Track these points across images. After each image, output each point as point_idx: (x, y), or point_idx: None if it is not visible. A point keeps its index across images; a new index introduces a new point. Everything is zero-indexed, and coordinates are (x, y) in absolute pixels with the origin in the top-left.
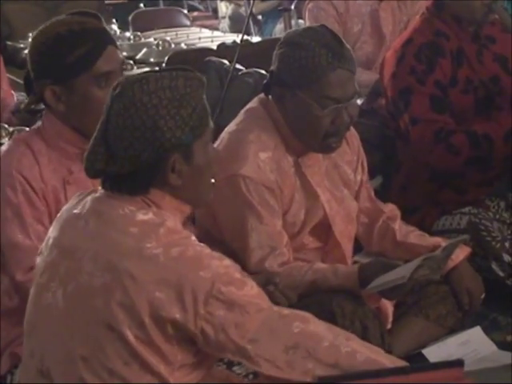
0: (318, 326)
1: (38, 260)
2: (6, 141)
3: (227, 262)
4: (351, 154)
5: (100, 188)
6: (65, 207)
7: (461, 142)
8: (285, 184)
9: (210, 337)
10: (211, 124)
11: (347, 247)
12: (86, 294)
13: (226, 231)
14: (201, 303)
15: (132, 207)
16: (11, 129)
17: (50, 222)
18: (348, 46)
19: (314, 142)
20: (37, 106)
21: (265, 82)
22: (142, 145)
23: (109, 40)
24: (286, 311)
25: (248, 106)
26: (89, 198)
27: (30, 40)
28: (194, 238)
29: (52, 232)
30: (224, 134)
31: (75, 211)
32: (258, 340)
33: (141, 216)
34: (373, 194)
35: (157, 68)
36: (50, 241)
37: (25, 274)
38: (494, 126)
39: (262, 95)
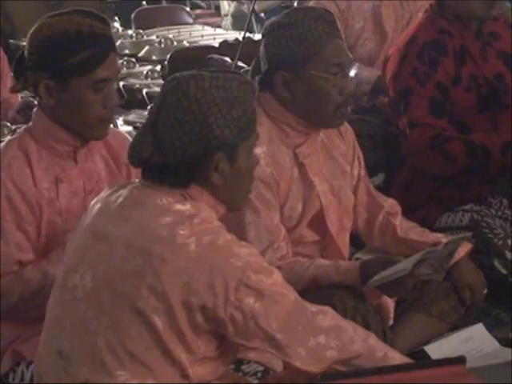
0: (338, 319)
1: (68, 245)
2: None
3: (255, 250)
4: (346, 148)
5: (138, 180)
6: (98, 197)
7: (457, 150)
8: (281, 177)
9: (240, 324)
10: (257, 131)
11: (340, 238)
12: (116, 277)
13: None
14: (232, 290)
15: (170, 198)
16: (14, 127)
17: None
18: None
19: (325, 117)
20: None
21: (259, 77)
22: (190, 139)
23: (112, 47)
24: (310, 304)
25: None
26: (127, 187)
27: (32, 29)
28: (224, 228)
29: (85, 218)
30: None
31: (111, 199)
32: (286, 329)
33: (177, 206)
34: (372, 188)
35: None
36: (84, 225)
37: None
38: (492, 137)
39: None
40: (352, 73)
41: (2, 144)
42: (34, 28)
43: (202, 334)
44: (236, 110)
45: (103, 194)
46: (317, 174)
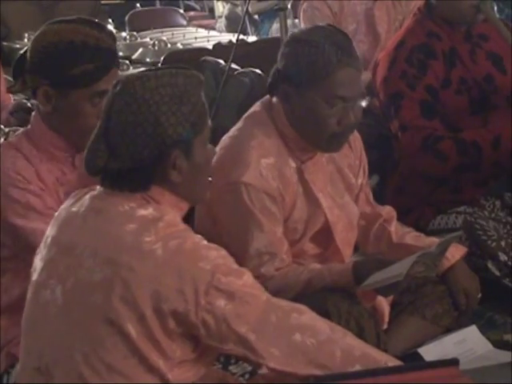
0: (314, 318)
1: (36, 259)
2: (1, 141)
3: (224, 252)
4: (354, 158)
5: (98, 186)
6: (62, 206)
7: (448, 149)
8: (287, 191)
9: (212, 327)
10: (209, 122)
11: (347, 254)
12: (86, 290)
13: (226, 237)
14: (202, 294)
15: (132, 204)
16: (7, 129)
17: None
18: (355, 45)
19: (320, 142)
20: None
21: (269, 81)
22: (144, 141)
23: (116, 62)
24: (283, 303)
25: (251, 111)
26: (87, 196)
27: (37, 33)
28: (191, 230)
29: (50, 231)
30: (226, 139)
31: (73, 209)
32: (259, 330)
33: (141, 212)
34: (371, 197)
35: (153, 67)
36: (49, 240)
37: None
38: (482, 133)
39: (264, 99)
40: (361, 104)
41: (3, 143)
42: (39, 32)
43: (176, 338)
44: (186, 106)
45: (65, 204)
46: (321, 190)
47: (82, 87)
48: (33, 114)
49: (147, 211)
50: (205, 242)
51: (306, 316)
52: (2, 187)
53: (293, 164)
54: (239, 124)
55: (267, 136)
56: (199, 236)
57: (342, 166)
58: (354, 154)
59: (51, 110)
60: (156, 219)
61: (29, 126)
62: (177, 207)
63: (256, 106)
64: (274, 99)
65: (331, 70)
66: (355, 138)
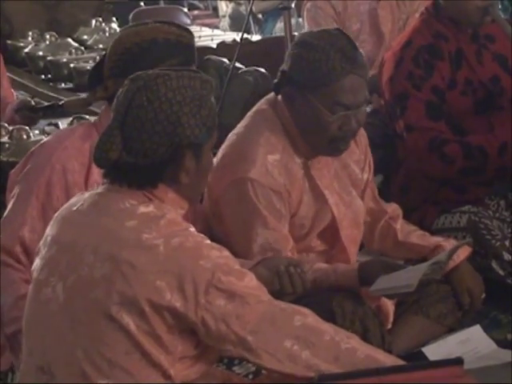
0: (318, 321)
1: (36, 259)
2: (5, 140)
3: (226, 253)
4: (359, 154)
5: (100, 185)
6: (64, 206)
7: (454, 152)
8: (293, 187)
9: (211, 327)
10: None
11: (352, 251)
12: (87, 286)
13: (230, 233)
14: (201, 292)
15: (133, 201)
16: (11, 127)
17: None
18: (361, 51)
19: (320, 145)
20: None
21: (275, 80)
22: (162, 139)
23: (194, 58)
24: (285, 305)
25: (256, 108)
26: (89, 195)
27: (115, 39)
28: (193, 229)
29: (50, 230)
30: (232, 136)
31: (74, 208)
32: (258, 332)
33: (142, 209)
34: (377, 193)
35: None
36: (49, 238)
37: None
38: (489, 139)
39: (270, 96)
40: (365, 109)
41: (66, 128)
42: (116, 38)
43: (178, 333)
44: (204, 109)
45: (66, 204)
46: (327, 187)
47: None
48: (102, 107)
49: (148, 209)
50: (207, 241)
51: (310, 319)
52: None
53: (298, 160)
54: (245, 121)
55: (273, 132)
56: (202, 235)
57: (349, 162)
58: (359, 149)
59: None
60: (157, 217)
61: (95, 118)
62: (179, 206)
63: (262, 104)
64: (279, 97)
65: (334, 77)
66: (360, 133)
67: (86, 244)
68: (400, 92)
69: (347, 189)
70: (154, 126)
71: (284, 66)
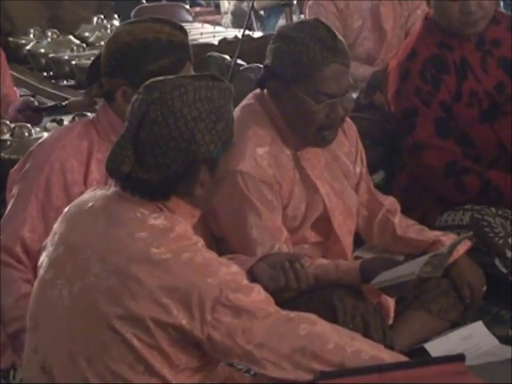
0: (323, 328)
1: (43, 255)
2: (7, 137)
3: (235, 268)
4: (349, 146)
5: (113, 186)
6: (73, 203)
7: (472, 185)
8: (283, 178)
9: (217, 343)
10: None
11: (346, 241)
12: (92, 296)
13: (225, 227)
14: (208, 310)
15: (144, 210)
16: (13, 125)
17: None
18: (341, 39)
19: (309, 136)
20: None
21: (259, 76)
22: (175, 155)
23: (189, 56)
24: (293, 314)
25: (243, 103)
26: (100, 196)
27: (109, 36)
28: (202, 243)
29: (59, 227)
30: None
31: (85, 208)
32: (264, 344)
33: (152, 220)
34: (372, 186)
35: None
36: (57, 236)
37: None
38: (508, 180)
39: (257, 90)
40: (351, 96)
41: (65, 126)
42: (111, 35)
43: (182, 347)
44: (220, 123)
45: (77, 201)
46: (318, 177)
47: None
48: (99, 104)
49: (158, 221)
50: (216, 257)
51: (316, 326)
52: (38, 170)
53: (288, 152)
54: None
55: (260, 125)
56: (210, 251)
57: (339, 154)
58: (349, 141)
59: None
60: (167, 229)
61: (93, 115)
62: (190, 215)
63: (248, 98)
64: (265, 91)
65: (316, 67)
66: (349, 126)
67: (94, 252)
68: (408, 107)
69: (338, 179)
70: (168, 143)
71: (266, 61)
